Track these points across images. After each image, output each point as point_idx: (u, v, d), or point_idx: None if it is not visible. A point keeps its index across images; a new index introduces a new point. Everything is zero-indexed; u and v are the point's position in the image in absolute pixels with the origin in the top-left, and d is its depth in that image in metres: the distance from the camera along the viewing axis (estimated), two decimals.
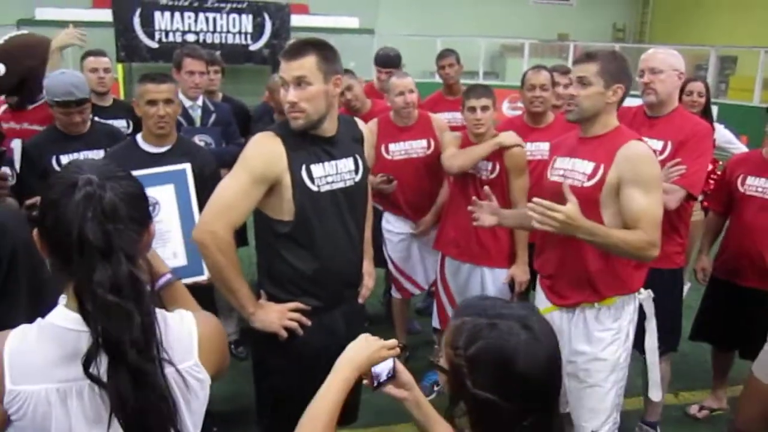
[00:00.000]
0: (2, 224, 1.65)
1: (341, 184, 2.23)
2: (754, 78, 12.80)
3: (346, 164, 2.26)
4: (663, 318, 2.66)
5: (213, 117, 3.84)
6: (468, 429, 1.21)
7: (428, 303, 4.50)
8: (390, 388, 1.52)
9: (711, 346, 3.56)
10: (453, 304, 3.47)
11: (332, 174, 2.21)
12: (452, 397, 1.24)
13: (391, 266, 3.90)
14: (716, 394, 3.57)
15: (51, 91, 3.01)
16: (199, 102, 3.82)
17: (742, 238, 3.18)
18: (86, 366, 1.14)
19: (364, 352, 1.48)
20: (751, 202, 3.17)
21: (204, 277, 2.58)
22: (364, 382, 1.51)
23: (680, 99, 3.32)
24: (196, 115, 3.80)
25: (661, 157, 2.71)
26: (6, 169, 2.91)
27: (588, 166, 2.37)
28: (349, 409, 2.41)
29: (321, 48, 2.11)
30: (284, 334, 2.16)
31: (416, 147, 3.66)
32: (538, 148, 3.43)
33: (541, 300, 2.62)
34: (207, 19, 13.24)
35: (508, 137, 3.19)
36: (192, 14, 13.13)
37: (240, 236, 3.77)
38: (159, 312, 1.28)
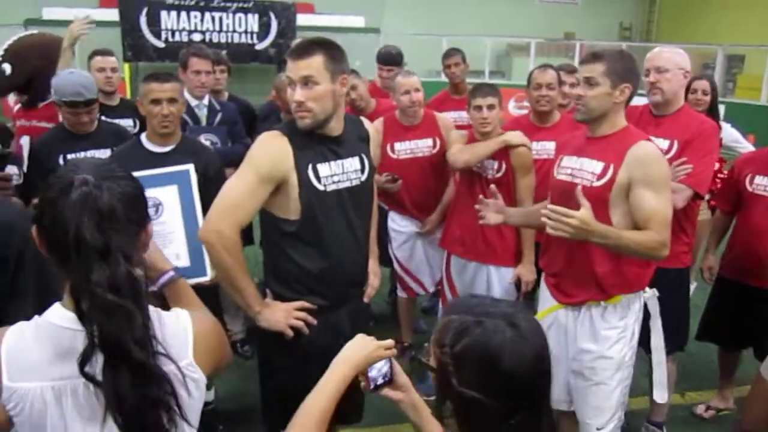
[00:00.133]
0: (10, 222, 1.66)
1: (347, 184, 2.23)
2: (761, 77, 12.73)
3: (353, 163, 2.27)
4: (669, 317, 2.66)
5: (219, 116, 3.85)
6: (455, 428, 1.21)
7: (434, 302, 4.50)
8: (386, 390, 1.51)
9: (717, 346, 3.54)
10: None
11: (338, 173, 2.21)
12: (439, 396, 1.23)
13: (396, 265, 3.90)
14: (723, 394, 3.56)
15: (59, 91, 3.03)
16: (205, 101, 3.83)
17: (750, 238, 3.17)
18: (82, 365, 1.15)
19: (361, 352, 1.48)
20: (759, 202, 3.16)
21: (207, 279, 2.59)
22: (362, 384, 1.50)
23: (685, 97, 3.31)
24: (202, 114, 3.81)
25: (668, 156, 2.70)
26: (13, 168, 2.93)
27: (597, 166, 2.37)
28: (354, 409, 2.42)
29: (328, 47, 2.11)
30: (290, 333, 2.16)
31: (422, 146, 3.66)
32: (544, 148, 3.43)
33: (546, 298, 2.62)
34: (213, 18, 13.28)
35: (515, 136, 3.19)
36: (198, 14, 13.17)
37: (246, 235, 3.79)
38: (155, 311, 1.29)
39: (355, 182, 2.26)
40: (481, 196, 2.62)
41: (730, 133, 4.24)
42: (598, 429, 2.52)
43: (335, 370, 1.46)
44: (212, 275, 2.66)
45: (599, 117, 2.38)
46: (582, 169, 2.42)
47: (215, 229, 2.06)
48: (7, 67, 3.70)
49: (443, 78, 4.80)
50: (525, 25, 16.30)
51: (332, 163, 2.20)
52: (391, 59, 4.53)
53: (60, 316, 1.21)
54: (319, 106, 2.10)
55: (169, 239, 2.60)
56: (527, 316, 1.21)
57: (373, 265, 2.52)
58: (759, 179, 3.18)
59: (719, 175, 3.91)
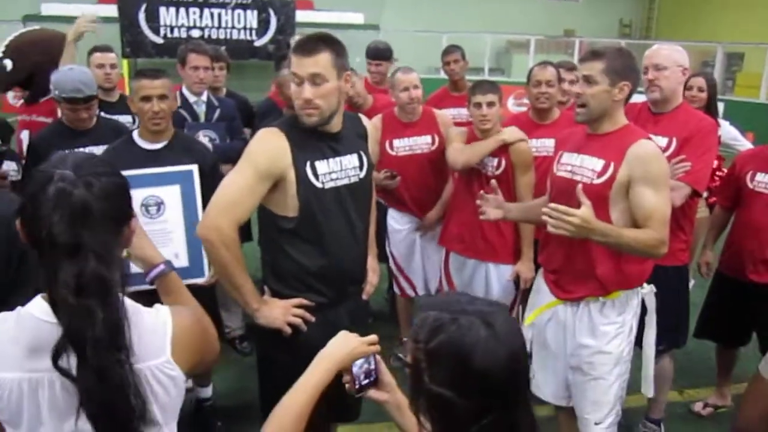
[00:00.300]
0: (9, 217, 1.67)
1: (346, 181, 2.23)
2: (760, 75, 12.75)
3: (351, 160, 2.26)
4: (668, 315, 2.66)
5: (217, 112, 3.84)
6: (428, 425, 1.20)
7: None
8: (371, 391, 1.51)
9: (715, 343, 3.55)
10: None
11: (337, 170, 2.20)
12: (412, 392, 1.22)
13: (392, 263, 3.90)
14: (721, 392, 3.57)
15: (59, 87, 3.02)
16: (204, 97, 3.82)
17: (749, 234, 3.17)
18: (55, 358, 1.15)
19: (343, 348, 1.49)
20: (759, 199, 3.16)
21: (204, 279, 2.59)
22: (347, 386, 1.50)
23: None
24: (201, 110, 3.80)
25: (666, 154, 2.70)
26: (12, 164, 2.93)
27: (597, 164, 2.37)
28: (351, 407, 2.42)
29: (333, 44, 2.11)
30: (288, 330, 2.16)
31: (420, 143, 3.66)
32: (544, 145, 3.43)
33: (545, 294, 2.62)
34: (212, 14, 13.25)
35: (511, 133, 3.19)
36: (197, 10, 13.14)
37: (245, 232, 3.79)
38: (134, 308, 1.29)
39: (353, 179, 2.26)
40: (481, 192, 2.62)
41: (728, 131, 4.24)
42: (596, 423, 2.53)
43: (317, 365, 1.46)
44: (209, 276, 2.67)
45: (599, 115, 2.38)
46: (582, 167, 2.42)
47: (213, 225, 2.05)
48: (8, 63, 3.70)
49: (443, 75, 4.79)
50: (525, 22, 16.30)
51: (330, 160, 2.19)
52: (379, 54, 4.53)
53: (40, 308, 1.21)
54: (326, 104, 2.10)
55: (169, 238, 2.60)
56: (505, 316, 1.19)
57: (372, 263, 2.52)
58: (760, 176, 3.18)
59: (718, 173, 3.91)
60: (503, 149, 3.18)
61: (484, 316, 1.16)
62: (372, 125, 3.65)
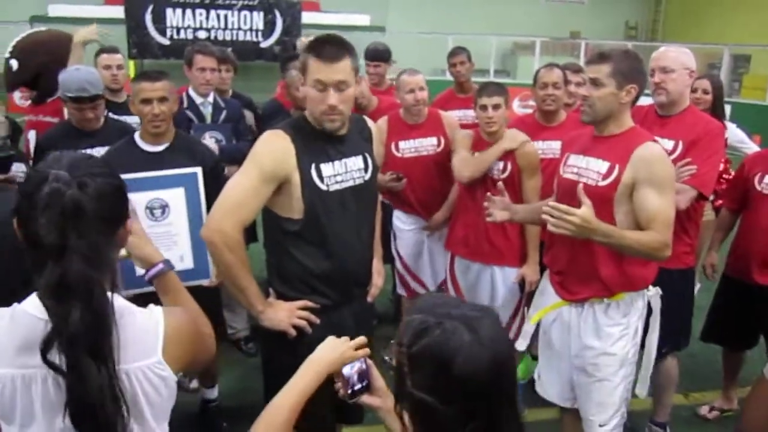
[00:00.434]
0: None
1: (351, 183, 2.23)
2: (767, 77, 12.70)
3: (356, 162, 2.26)
4: (672, 318, 2.66)
5: (224, 114, 3.85)
6: (412, 429, 1.18)
7: None
8: (365, 397, 1.51)
9: (722, 346, 3.54)
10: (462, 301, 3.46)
11: (342, 173, 2.20)
12: (396, 396, 1.21)
13: (398, 264, 3.90)
14: (727, 395, 3.55)
15: (65, 87, 3.03)
16: (210, 99, 3.83)
17: (757, 237, 3.16)
18: (43, 354, 1.17)
19: (332, 353, 1.49)
20: (767, 201, 3.15)
21: (208, 281, 2.59)
22: (340, 392, 1.50)
23: None
24: (207, 112, 3.81)
25: (672, 157, 2.69)
26: (20, 166, 2.93)
27: (603, 166, 2.37)
28: (355, 410, 2.42)
29: (350, 48, 2.11)
30: (293, 332, 2.16)
31: (426, 145, 3.65)
32: (550, 147, 3.42)
33: (550, 295, 2.62)
34: (218, 16, 13.31)
35: (512, 139, 3.18)
36: (203, 11, 13.21)
37: (250, 232, 3.79)
38: (127, 308, 1.30)
39: (358, 181, 2.25)
40: (488, 194, 2.62)
41: (735, 134, 4.22)
42: (601, 425, 2.53)
43: (306, 369, 1.47)
44: (214, 278, 2.67)
45: (605, 117, 2.38)
46: (588, 169, 2.43)
47: (218, 227, 2.05)
48: (15, 63, 3.72)
49: (448, 77, 4.80)
50: (530, 24, 16.28)
51: (336, 162, 2.19)
52: (378, 55, 4.53)
53: (34, 305, 1.23)
54: (347, 109, 2.13)
55: (173, 241, 2.61)
56: (490, 322, 1.17)
57: (377, 265, 2.52)
58: None
59: (724, 176, 3.89)
60: (509, 153, 3.18)
61: (469, 321, 1.14)
62: (377, 127, 3.66)
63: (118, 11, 12.89)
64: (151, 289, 1.60)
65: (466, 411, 1.11)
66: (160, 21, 13.02)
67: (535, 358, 3.87)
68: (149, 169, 2.60)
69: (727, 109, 5.00)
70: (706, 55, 14.35)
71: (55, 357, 1.18)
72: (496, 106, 3.15)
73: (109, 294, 1.25)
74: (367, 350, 1.54)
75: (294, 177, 2.10)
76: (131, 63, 12.62)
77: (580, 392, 2.59)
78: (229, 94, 4.35)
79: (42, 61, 3.72)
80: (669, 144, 2.75)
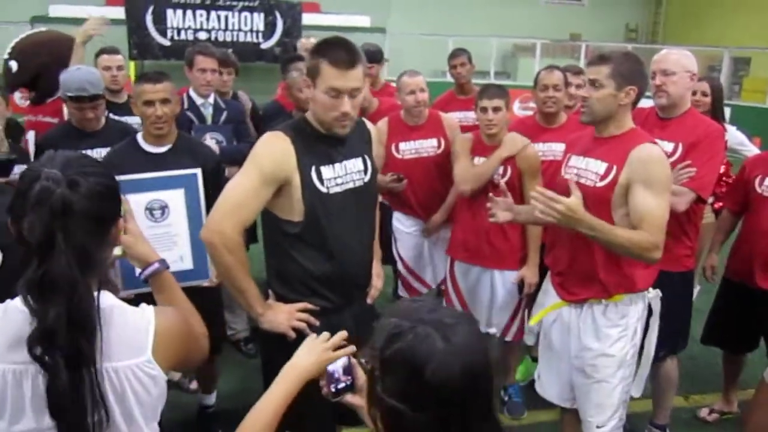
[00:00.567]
0: None
1: (351, 185, 2.22)
2: (767, 79, 12.70)
3: (356, 164, 2.26)
4: (670, 321, 2.66)
5: (224, 115, 3.86)
6: None
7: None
8: (348, 396, 1.50)
9: (722, 349, 3.53)
10: (462, 303, 3.47)
11: (342, 175, 2.20)
12: (368, 400, 1.20)
13: (400, 265, 3.90)
14: (727, 398, 3.55)
15: (65, 86, 3.03)
16: (211, 100, 3.83)
17: (757, 239, 3.15)
18: (30, 348, 1.18)
19: (309, 357, 1.48)
20: (767, 204, 3.14)
21: (208, 281, 2.59)
22: (323, 390, 1.50)
23: None
24: (208, 113, 3.81)
25: (672, 159, 2.69)
26: (23, 167, 2.93)
27: (601, 167, 2.38)
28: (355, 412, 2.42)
29: (361, 53, 2.11)
30: (292, 334, 2.15)
31: (426, 146, 3.66)
32: (551, 149, 3.42)
33: (552, 295, 2.63)
34: (219, 17, 13.32)
35: (511, 146, 3.16)
36: (204, 12, 13.21)
37: (250, 233, 3.79)
38: (119, 307, 1.31)
39: (358, 183, 2.25)
40: (490, 195, 2.62)
41: (735, 136, 4.22)
42: (598, 427, 2.53)
43: (283, 375, 1.46)
44: (213, 278, 2.68)
45: (604, 119, 2.39)
46: (587, 169, 2.43)
47: (217, 229, 2.04)
48: (14, 65, 3.72)
49: (449, 78, 4.80)
50: (531, 26, 16.27)
51: (336, 165, 2.18)
52: (371, 56, 4.52)
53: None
54: (356, 113, 2.13)
55: (173, 241, 2.61)
56: (467, 328, 1.13)
57: (376, 267, 2.51)
58: None
59: (724, 179, 3.89)
60: (509, 157, 3.18)
61: (443, 327, 1.11)
62: (378, 128, 3.66)
63: (119, 12, 12.87)
64: (146, 289, 1.60)
65: (438, 418, 1.09)
66: (160, 22, 13.02)
67: (534, 359, 3.87)
68: (152, 170, 2.61)
69: (727, 111, 5.01)
70: (707, 57, 14.34)
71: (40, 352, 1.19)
72: (496, 109, 3.15)
73: (96, 293, 1.26)
74: (351, 348, 1.53)
75: (294, 179, 2.10)
76: (132, 64, 12.62)
77: (579, 393, 2.59)
78: (230, 95, 4.35)
79: (42, 61, 3.73)
80: (669, 146, 2.75)
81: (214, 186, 2.47)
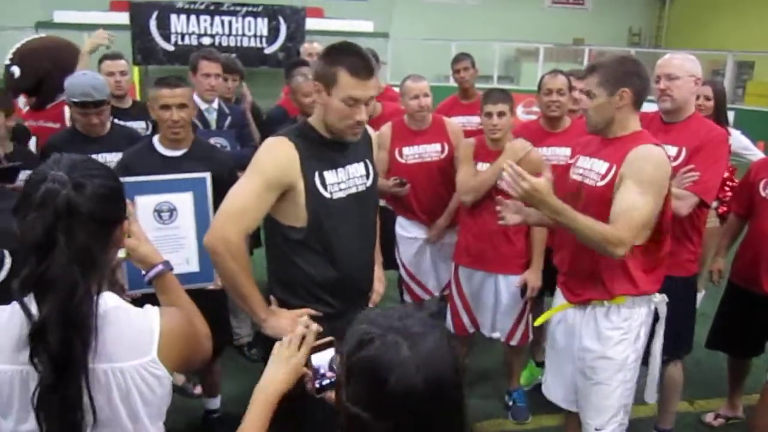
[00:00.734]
0: None
1: (353, 190, 2.22)
2: None
3: (358, 169, 2.26)
4: (673, 325, 2.65)
5: (228, 120, 3.86)
6: None
7: (441, 307, 4.48)
8: (330, 393, 1.48)
9: (727, 354, 3.52)
10: (467, 307, 3.47)
11: (344, 180, 2.20)
12: (335, 407, 1.18)
13: (402, 271, 3.90)
14: (732, 403, 3.54)
15: (70, 91, 3.04)
16: (215, 105, 3.84)
17: (762, 244, 3.14)
18: (31, 350, 1.20)
19: (277, 372, 1.47)
20: None
21: (213, 284, 2.60)
22: (307, 386, 1.49)
23: None
24: (212, 117, 3.82)
25: (675, 163, 2.70)
26: (28, 173, 2.94)
27: (603, 167, 2.40)
28: None
29: (374, 61, 2.13)
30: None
31: (430, 151, 3.66)
32: (555, 153, 3.43)
33: (559, 297, 2.64)
34: (223, 22, 13.34)
35: (512, 155, 3.14)
36: (208, 17, 13.23)
37: (255, 237, 3.79)
38: (122, 308, 1.32)
39: (360, 188, 2.25)
40: (498, 197, 2.61)
41: (739, 141, 4.22)
42: (597, 429, 2.53)
43: (253, 400, 1.45)
44: (218, 281, 2.68)
45: (606, 125, 2.41)
46: (591, 170, 2.46)
47: (221, 235, 2.02)
48: (16, 70, 3.73)
49: (452, 83, 4.80)
50: (534, 31, 16.28)
51: (339, 170, 2.18)
52: None
53: (30, 302, 1.25)
54: (368, 120, 2.15)
55: (180, 244, 2.62)
56: (436, 339, 1.11)
57: (378, 272, 2.51)
58: None
59: (728, 183, 3.88)
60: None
61: (411, 336, 1.10)
62: (381, 133, 3.66)
63: (123, 17, 12.93)
64: (151, 290, 1.61)
65: (401, 428, 1.08)
66: (164, 27, 13.05)
67: (538, 364, 3.87)
68: (166, 173, 2.64)
69: (731, 115, 5.01)
70: (710, 61, 14.34)
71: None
72: (501, 114, 3.15)
73: (96, 295, 1.27)
74: (331, 352, 1.51)
75: (298, 184, 2.09)
76: (136, 69, 12.65)
77: (580, 395, 2.60)
78: (233, 101, 4.36)
79: (44, 67, 3.73)
80: (673, 150, 2.75)
81: (227, 191, 2.47)
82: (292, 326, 2.11)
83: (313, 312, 2.17)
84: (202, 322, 1.54)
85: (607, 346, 2.45)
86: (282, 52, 13.47)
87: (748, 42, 14.22)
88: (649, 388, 2.64)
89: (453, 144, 3.63)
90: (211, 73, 3.77)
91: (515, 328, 3.39)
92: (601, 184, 2.37)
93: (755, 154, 4.24)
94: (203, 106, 3.78)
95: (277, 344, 1.52)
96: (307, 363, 1.49)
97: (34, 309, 1.23)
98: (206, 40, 13.06)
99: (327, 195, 2.14)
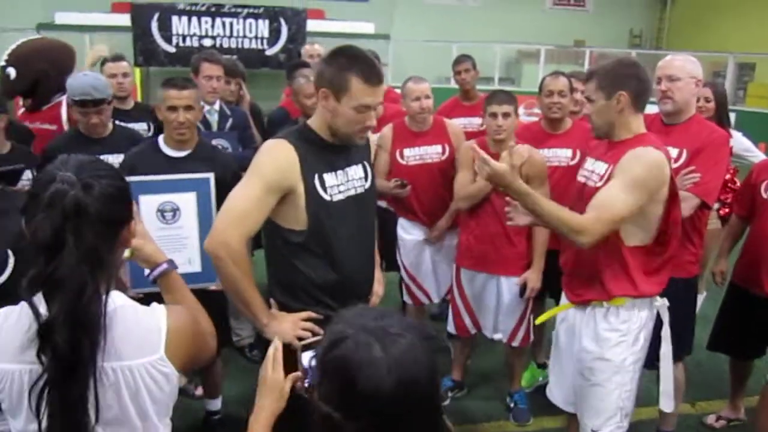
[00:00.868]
0: None
1: (352, 192, 2.21)
2: None
3: (357, 171, 2.25)
4: (673, 327, 2.65)
5: (230, 122, 3.87)
6: None
7: (443, 309, 4.49)
8: None
9: (728, 355, 3.52)
10: (469, 309, 3.47)
11: (344, 182, 2.19)
12: (311, 406, 1.18)
13: (403, 273, 3.90)
14: (734, 404, 3.53)
15: (70, 91, 3.06)
16: (216, 106, 3.85)
17: (763, 245, 3.14)
18: (40, 349, 1.21)
19: (263, 403, 1.47)
20: None
21: (215, 285, 2.60)
22: (297, 385, 1.48)
23: None
24: (214, 119, 3.82)
25: (676, 165, 2.70)
26: (28, 173, 2.94)
27: (603, 168, 2.41)
28: None
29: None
30: (298, 344, 2.14)
31: (431, 152, 3.66)
32: (556, 155, 3.42)
33: (564, 298, 2.65)
34: (224, 24, 13.35)
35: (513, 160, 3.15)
36: (209, 19, 13.25)
37: (256, 238, 3.79)
38: (130, 307, 1.34)
39: (359, 190, 2.24)
40: (507, 198, 2.61)
41: (741, 142, 4.21)
42: (593, 431, 2.53)
43: (253, 425, 1.46)
44: (220, 281, 2.69)
45: (609, 128, 2.42)
46: (593, 171, 2.47)
47: (222, 240, 2.00)
48: (12, 72, 3.72)
49: (453, 84, 4.80)
50: (535, 32, 16.29)
51: (338, 172, 2.18)
52: None
53: (39, 301, 1.25)
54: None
55: (182, 244, 2.63)
56: (410, 341, 1.10)
57: (377, 273, 2.49)
58: None
59: (730, 185, 3.88)
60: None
61: (385, 337, 1.09)
62: (383, 134, 3.66)
63: (124, 19, 12.95)
64: (155, 289, 1.62)
65: (370, 429, 1.07)
66: (166, 29, 13.06)
67: (539, 366, 3.87)
68: (169, 173, 2.65)
69: (732, 117, 5.00)
70: (711, 63, 14.35)
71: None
72: (506, 115, 3.16)
73: (105, 295, 1.27)
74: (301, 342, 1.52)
75: (298, 187, 2.08)
76: (137, 70, 12.66)
77: (578, 396, 2.60)
78: (235, 103, 4.36)
79: (40, 68, 3.72)
80: (674, 152, 2.75)
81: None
82: (294, 330, 2.12)
83: (314, 315, 2.16)
84: (206, 320, 1.55)
85: (604, 348, 2.45)
86: (283, 53, 13.48)
87: (749, 43, 14.22)
88: (663, 395, 2.63)
89: (454, 145, 3.64)
90: (212, 76, 3.77)
91: (517, 329, 3.39)
92: (599, 184, 2.38)
93: (756, 155, 4.24)
94: (205, 107, 3.78)
95: (261, 369, 1.52)
96: (298, 362, 1.48)
97: (42, 309, 1.23)
98: (207, 42, 13.08)
99: (327, 197, 2.13)
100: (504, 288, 3.33)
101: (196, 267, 2.65)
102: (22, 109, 3.87)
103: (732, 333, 3.32)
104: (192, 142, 2.87)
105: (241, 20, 13.40)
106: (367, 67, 2.04)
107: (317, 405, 1.11)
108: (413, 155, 3.67)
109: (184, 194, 2.63)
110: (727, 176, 3.73)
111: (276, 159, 2.08)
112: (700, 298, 3.70)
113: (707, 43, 15.41)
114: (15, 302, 1.31)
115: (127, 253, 1.49)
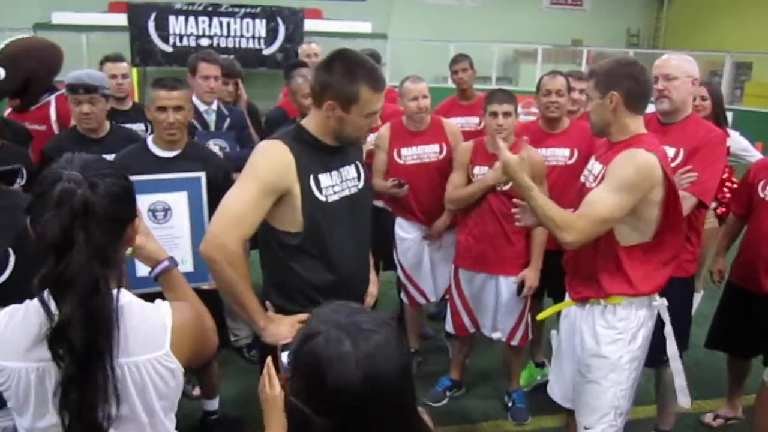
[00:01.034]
0: None
1: (346, 192, 2.20)
2: None
3: (350, 171, 2.25)
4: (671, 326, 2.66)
5: (227, 121, 3.86)
6: None
7: (441, 308, 4.49)
8: None
9: (726, 354, 3.52)
10: (467, 308, 3.47)
11: (338, 183, 2.18)
12: (284, 403, 1.19)
13: (400, 272, 3.90)
14: (731, 403, 3.54)
15: (67, 78, 3.09)
16: (214, 106, 3.84)
17: (760, 244, 3.14)
18: (51, 345, 1.22)
19: (271, 422, 1.45)
20: None
21: (208, 284, 2.60)
22: (281, 383, 1.46)
23: None
24: (211, 119, 3.82)
25: (674, 164, 2.70)
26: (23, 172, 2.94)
27: (599, 169, 2.42)
28: None
29: None
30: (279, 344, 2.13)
31: (428, 152, 3.66)
32: (554, 154, 3.43)
33: (567, 296, 2.66)
34: (221, 23, 13.35)
35: (499, 175, 3.12)
36: (206, 19, 13.25)
37: (252, 239, 3.78)
38: (136, 304, 1.35)
39: (353, 190, 2.24)
40: (515, 199, 2.61)
41: (738, 141, 4.21)
42: (586, 428, 2.53)
43: (268, 412, 1.44)
44: (213, 280, 2.68)
45: (605, 127, 2.42)
46: (591, 172, 2.48)
47: (218, 242, 1.98)
48: (1, 71, 3.69)
49: (450, 84, 4.80)
50: (532, 32, 16.29)
51: (333, 172, 2.17)
52: None
53: (48, 299, 1.26)
54: None
55: (175, 243, 2.63)
56: (382, 338, 1.09)
57: (371, 274, 2.49)
58: None
59: (727, 184, 3.89)
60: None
61: (356, 333, 1.09)
62: (380, 134, 3.66)
63: (121, 18, 12.94)
64: (152, 289, 1.62)
65: (341, 425, 1.07)
66: (163, 28, 13.06)
67: (537, 365, 3.87)
68: (159, 173, 2.64)
69: (729, 116, 5.00)
70: (708, 62, 14.35)
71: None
72: (506, 114, 3.16)
73: (114, 291, 1.29)
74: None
75: (295, 189, 2.06)
76: (134, 70, 12.64)
77: (575, 392, 2.61)
78: (233, 103, 4.36)
79: (30, 67, 3.70)
80: (671, 152, 2.75)
81: (224, 193, 2.49)
82: (292, 332, 2.10)
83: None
84: (208, 316, 1.57)
85: (601, 345, 2.46)
86: (280, 53, 13.49)
87: (747, 43, 14.23)
88: (680, 392, 2.62)
89: (451, 145, 3.64)
90: (210, 75, 3.77)
91: (516, 328, 3.39)
92: (594, 185, 2.39)
93: (754, 155, 4.24)
94: (202, 107, 3.78)
95: (259, 389, 1.51)
96: (278, 362, 1.47)
97: (52, 307, 1.24)
98: (204, 42, 13.08)
99: (322, 198, 2.11)
100: (503, 287, 3.33)
101: (188, 266, 2.65)
102: (9, 110, 3.84)
103: (730, 331, 3.33)
104: (182, 143, 2.86)
105: (238, 20, 13.40)
106: (373, 75, 2.05)
107: (290, 400, 1.12)
108: (411, 155, 3.67)
109: (176, 194, 2.62)
110: (724, 175, 3.73)
111: (272, 160, 2.06)
112: (698, 297, 3.70)
113: (704, 42, 15.43)
114: (17, 300, 1.32)
115: (129, 250, 1.50)
